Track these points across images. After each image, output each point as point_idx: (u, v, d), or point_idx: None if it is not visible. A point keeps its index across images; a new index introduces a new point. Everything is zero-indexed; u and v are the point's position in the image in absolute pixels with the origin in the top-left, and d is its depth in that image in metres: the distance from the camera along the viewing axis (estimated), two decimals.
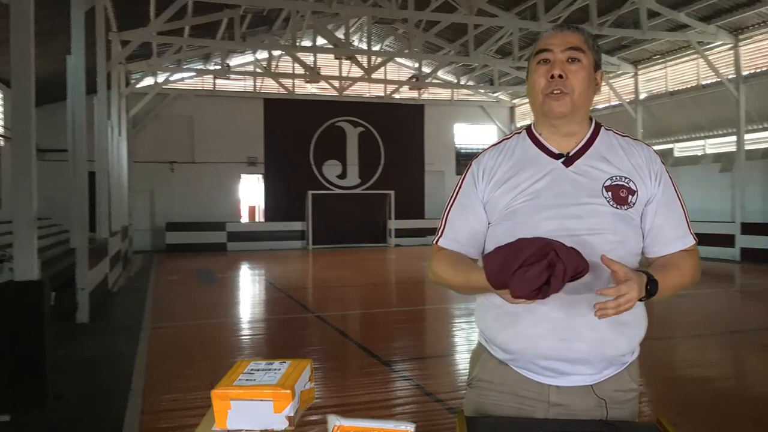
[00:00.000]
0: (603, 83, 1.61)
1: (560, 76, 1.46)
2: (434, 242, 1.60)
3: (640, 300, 1.36)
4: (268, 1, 12.95)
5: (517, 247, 1.27)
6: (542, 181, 1.48)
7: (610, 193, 1.46)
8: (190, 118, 19.36)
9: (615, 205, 1.45)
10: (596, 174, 1.48)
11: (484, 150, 1.60)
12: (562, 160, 1.50)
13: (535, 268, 1.23)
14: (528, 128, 1.59)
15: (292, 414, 1.13)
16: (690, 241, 1.52)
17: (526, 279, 1.23)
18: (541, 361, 1.46)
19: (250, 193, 20.91)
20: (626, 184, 1.47)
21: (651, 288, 1.36)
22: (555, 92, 1.46)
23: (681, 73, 16.56)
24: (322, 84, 19.40)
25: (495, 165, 1.54)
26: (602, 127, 1.56)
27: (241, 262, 15.79)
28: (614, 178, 1.47)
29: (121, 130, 15.53)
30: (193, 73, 19.47)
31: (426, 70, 19.15)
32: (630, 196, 1.47)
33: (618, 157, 1.50)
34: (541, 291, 1.24)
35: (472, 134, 22.50)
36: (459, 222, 1.56)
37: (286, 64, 19.40)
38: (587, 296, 1.41)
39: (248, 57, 19.71)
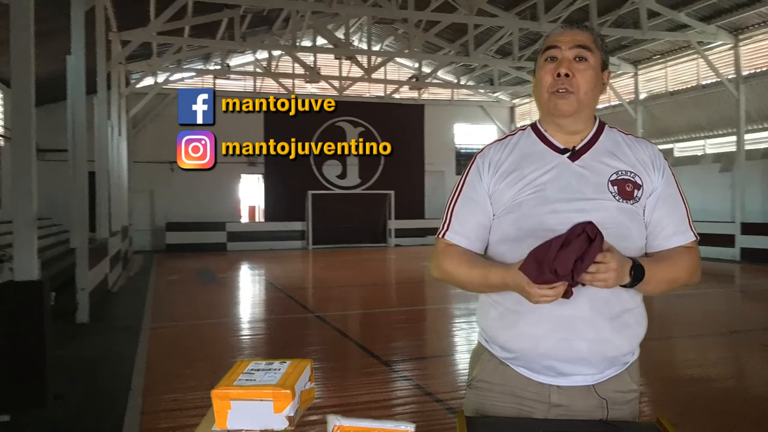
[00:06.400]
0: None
1: (567, 75, 1.46)
2: (439, 236, 1.57)
3: (625, 286, 1.37)
4: (268, 1, 12.95)
5: (551, 239, 1.31)
6: (548, 174, 1.48)
7: (615, 188, 1.46)
8: None
9: (620, 200, 1.45)
10: (602, 168, 1.48)
11: (489, 144, 1.59)
12: (568, 154, 1.50)
13: (573, 245, 1.28)
14: (533, 125, 1.59)
15: (292, 414, 1.13)
16: (690, 237, 1.51)
17: (565, 259, 1.27)
18: (542, 361, 1.46)
19: (250, 193, 20.91)
20: (632, 179, 1.47)
21: (636, 273, 1.36)
22: (560, 91, 1.46)
23: (681, 73, 16.56)
24: (322, 84, 19.40)
25: (500, 158, 1.53)
26: (606, 125, 1.56)
27: (241, 262, 15.79)
28: (620, 172, 1.48)
29: (121, 130, 15.53)
30: (193, 73, 19.46)
31: (426, 70, 19.15)
32: (636, 191, 1.47)
33: (623, 153, 1.51)
34: (577, 266, 1.28)
35: (472, 134, 22.48)
36: (465, 215, 1.54)
37: (286, 64, 19.39)
38: (589, 295, 1.41)
39: (248, 57, 19.70)
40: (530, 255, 1.32)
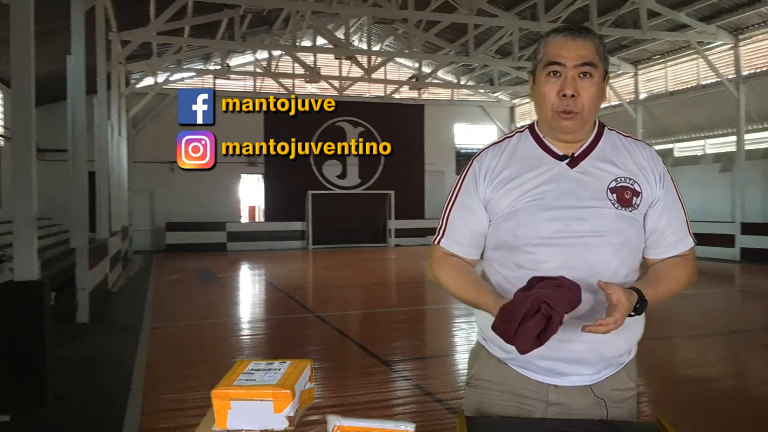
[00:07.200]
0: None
1: (572, 95, 1.44)
2: (435, 242, 1.57)
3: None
4: (268, 1, 12.95)
5: (514, 306, 1.29)
6: (547, 182, 1.47)
7: (614, 195, 1.46)
8: None
9: (619, 207, 1.45)
10: (601, 175, 1.47)
11: (486, 148, 1.58)
12: (566, 161, 1.49)
13: (530, 324, 1.26)
14: (531, 127, 1.57)
15: (292, 414, 1.13)
16: (689, 244, 1.53)
17: (525, 337, 1.26)
18: (540, 361, 1.46)
19: (250, 193, 20.92)
20: (631, 186, 1.47)
21: (639, 307, 1.38)
22: (566, 113, 1.45)
23: (681, 73, 16.55)
24: (322, 84, 19.40)
25: (498, 165, 1.52)
26: (606, 128, 1.55)
27: (241, 262, 15.78)
28: (619, 179, 1.47)
29: (121, 130, 15.53)
30: (193, 73, 19.46)
31: (426, 70, 19.15)
32: (634, 198, 1.46)
33: (622, 158, 1.50)
34: (540, 339, 1.27)
35: (472, 134, 22.48)
36: (459, 222, 1.54)
37: (286, 64, 19.39)
38: (587, 297, 1.41)
39: (248, 57, 19.70)
40: (495, 322, 1.31)
